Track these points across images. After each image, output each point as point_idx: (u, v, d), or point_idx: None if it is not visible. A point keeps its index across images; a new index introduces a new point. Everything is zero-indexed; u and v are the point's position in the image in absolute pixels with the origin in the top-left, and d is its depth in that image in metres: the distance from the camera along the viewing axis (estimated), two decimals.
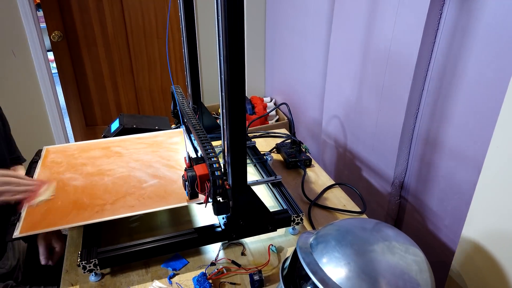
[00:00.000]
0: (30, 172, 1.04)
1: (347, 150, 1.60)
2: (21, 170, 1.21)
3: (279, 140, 1.42)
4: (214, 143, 1.10)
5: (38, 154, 1.12)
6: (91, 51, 2.43)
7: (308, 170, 1.26)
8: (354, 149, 1.55)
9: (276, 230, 0.96)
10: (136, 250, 0.85)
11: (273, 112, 2.38)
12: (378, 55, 1.29)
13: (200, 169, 0.83)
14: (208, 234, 0.89)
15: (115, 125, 1.29)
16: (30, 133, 2.50)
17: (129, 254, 0.84)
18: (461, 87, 1.05)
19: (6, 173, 0.91)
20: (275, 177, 1.08)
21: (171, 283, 0.84)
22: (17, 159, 1.24)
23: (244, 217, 0.88)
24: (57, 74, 2.57)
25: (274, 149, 1.37)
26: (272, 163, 1.28)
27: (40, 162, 1.07)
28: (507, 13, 0.90)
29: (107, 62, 2.46)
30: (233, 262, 0.89)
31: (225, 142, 0.82)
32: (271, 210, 0.93)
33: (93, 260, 0.82)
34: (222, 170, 0.82)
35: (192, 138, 1.15)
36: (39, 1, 2.41)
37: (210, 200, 0.83)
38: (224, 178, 0.87)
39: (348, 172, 1.62)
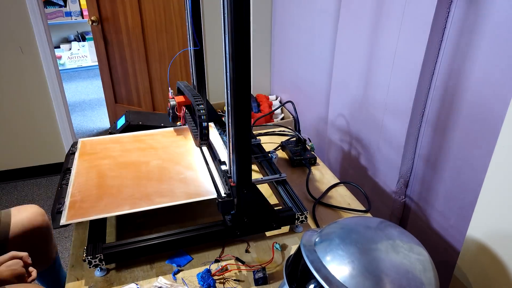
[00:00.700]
0: (68, 163, 1.09)
1: (352, 148, 1.59)
2: None
3: (284, 138, 1.42)
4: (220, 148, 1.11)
5: (74, 146, 1.17)
6: (118, 38, 2.64)
7: (313, 168, 1.26)
8: (360, 148, 1.54)
9: (280, 228, 0.96)
10: (141, 246, 0.85)
11: (279, 110, 2.38)
12: (384, 53, 1.29)
13: (179, 99, 1.18)
14: (213, 231, 0.90)
15: (121, 122, 1.30)
16: (37, 129, 2.52)
17: (134, 250, 0.85)
18: (468, 87, 1.05)
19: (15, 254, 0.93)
20: (280, 175, 1.08)
21: (175, 279, 0.85)
22: None
23: (249, 214, 0.89)
24: (63, 70, 2.59)
25: (279, 147, 1.37)
26: (277, 161, 1.28)
27: (77, 154, 1.12)
28: None
29: (129, 49, 2.65)
30: (237, 259, 0.89)
31: (230, 140, 0.82)
32: (275, 208, 0.93)
33: (98, 255, 0.82)
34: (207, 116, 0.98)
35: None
36: None
37: (186, 119, 1.17)
38: (229, 176, 0.88)
39: (353, 170, 1.62)
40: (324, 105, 1.85)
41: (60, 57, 4.43)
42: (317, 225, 1.02)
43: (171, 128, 1.28)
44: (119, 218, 1.01)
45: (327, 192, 1.15)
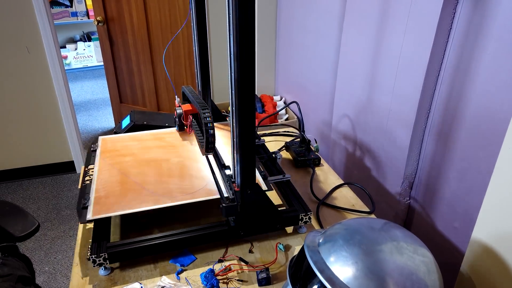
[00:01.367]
0: (90, 160, 1.11)
1: (357, 149, 1.59)
2: None
3: (288, 139, 1.42)
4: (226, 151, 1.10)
5: (95, 143, 1.18)
6: (123, 38, 2.66)
7: (317, 169, 1.25)
8: (364, 149, 1.54)
9: (284, 229, 0.96)
10: (145, 245, 0.86)
11: (283, 111, 2.38)
12: (390, 54, 1.28)
13: (185, 107, 1.17)
14: (216, 231, 0.90)
15: (126, 122, 1.31)
16: (43, 128, 2.54)
17: (138, 249, 0.85)
18: (474, 88, 1.04)
19: None
20: (284, 176, 1.08)
21: (179, 278, 0.85)
22: None
23: (253, 215, 0.89)
24: (69, 70, 2.62)
25: (283, 148, 1.37)
26: (281, 161, 1.28)
27: (98, 151, 1.13)
28: None
29: (134, 49, 2.67)
30: (241, 259, 0.89)
31: (234, 140, 0.82)
32: (279, 209, 0.93)
33: (102, 254, 0.83)
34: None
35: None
36: None
37: (192, 129, 1.16)
38: (233, 180, 0.88)
39: (358, 171, 1.61)
40: (328, 106, 1.85)
41: (66, 57, 4.46)
42: (321, 226, 1.02)
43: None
44: (123, 217, 1.02)
45: (331, 193, 1.14)
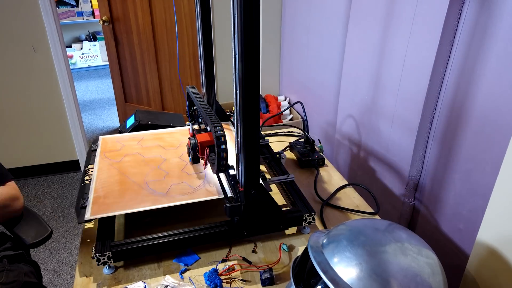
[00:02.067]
0: (90, 160, 1.10)
1: (361, 150, 1.59)
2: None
3: (292, 139, 1.41)
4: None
5: (95, 143, 1.18)
6: (129, 38, 2.68)
7: (321, 169, 1.25)
8: (368, 150, 1.53)
9: (287, 229, 0.96)
10: (149, 244, 0.86)
11: (287, 111, 2.38)
12: (395, 55, 1.28)
13: (201, 137, 0.98)
14: (220, 231, 0.90)
15: (130, 121, 1.31)
16: (48, 127, 2.55)
17: (142, 248, 0.86)
18: (479, 89, 1.03)
19: None
20: (288, 176, 1.08)
21: (182, 278, 0.85)
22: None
23: (256, 215, 0.89)
24: (74, 69, 2.64)
25: (288, 148, 1.37)
26: (285, 162, 1.28)
27: (98, 151, 1.13)
28: None
29: (139, 48, 2.68)
30: (244, 259, 0.89)
31: (239, 140, 0.82)
32: (283, 209, 0.93)
33: (107, 253, 0.83)
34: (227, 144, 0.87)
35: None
36: None
37: (208, 162, 0.99)
38: (237, 180, 0.88)
39: (362, 172, 1.61)
40: (333, 107, 1.84)
41: (71, 57, 4.48)
42: (325, 227, 1.02)
43: (188, 127, 1.28)
44: (127, 216, 1.02)
45: (335, 194, 1.14)
